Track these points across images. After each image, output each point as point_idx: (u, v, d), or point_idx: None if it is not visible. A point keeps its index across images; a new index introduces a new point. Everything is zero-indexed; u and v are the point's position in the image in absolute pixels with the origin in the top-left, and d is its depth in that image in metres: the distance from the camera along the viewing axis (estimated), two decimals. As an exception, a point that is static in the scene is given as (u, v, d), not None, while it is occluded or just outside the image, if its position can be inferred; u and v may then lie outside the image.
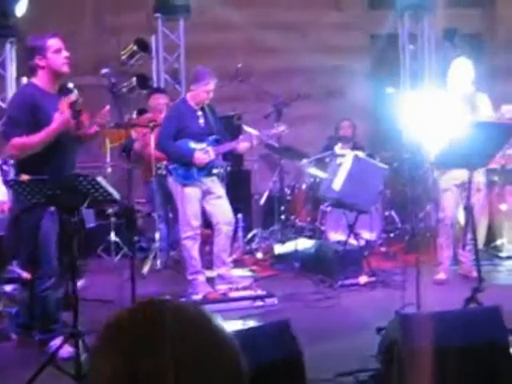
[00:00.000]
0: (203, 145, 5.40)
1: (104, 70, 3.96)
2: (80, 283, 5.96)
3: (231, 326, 4.11)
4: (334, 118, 7.68)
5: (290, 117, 7.16)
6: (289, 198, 6.97)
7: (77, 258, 4.04)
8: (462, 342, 3.31)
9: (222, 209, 5.46)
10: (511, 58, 7.94)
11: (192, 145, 5.40)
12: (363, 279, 5.53)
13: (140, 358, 0.81)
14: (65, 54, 4.01)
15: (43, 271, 4.11)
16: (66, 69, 4.02)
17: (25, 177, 3.80)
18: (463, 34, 8.19)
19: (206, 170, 5.41)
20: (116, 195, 3.84)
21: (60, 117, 3.95)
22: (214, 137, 5.46)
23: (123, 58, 7.07)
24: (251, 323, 4.47)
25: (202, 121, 5.44)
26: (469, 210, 4.13)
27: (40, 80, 4.06)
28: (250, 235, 6.97)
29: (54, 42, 4.01)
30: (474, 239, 4.25)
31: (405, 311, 4.27)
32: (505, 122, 4.96)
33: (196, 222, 5.41)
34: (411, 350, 3.31)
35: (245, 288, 5.26)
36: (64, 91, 4.09)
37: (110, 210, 6.64)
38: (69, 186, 3.68)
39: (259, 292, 5.18)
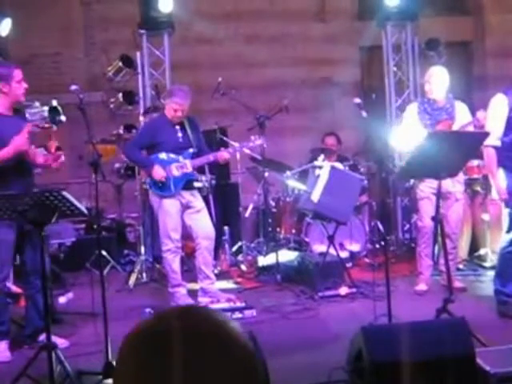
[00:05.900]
0: (179, 158, 5.45)
1: (73, 87, 4.03)
2: (66, 296, 6.04)
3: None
4: (322, 130, 7.71)
5: (278, 129, 7.21)
6: (274, 210, 6.99)
7: (53, 272, 4.10)
8: (425, 352, 3.31)
9: (201, 223, 5.45)
10: (500, 66, 7.93)
11: (167, 158, 5.44)
12: (343, 290, 5.53)
13: (152, 368, 0.84)
14: (24, 85, 4.39)
15: None
16: (23, 98, 4.42)
17: None
18: (452, 42, 8.20)
19: (182, 183, 5.41)
20: (83, 209, 3.92)
21: (17, 139, 4.20)
22: (191, 150, 5.48)
23: (109, 74, 7.16)
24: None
25: (179, 134, 5.47)
26: (437, 220, 4.12)
27: None
28: (235, 247, 6.99)
29: (17, 73, 4.38)
30: (444, 248, 4.25)
31: (375, 323, 4.28)
32: (469, 131, 4.92)
33: (175, 235, 5.42)
34: (373, 362, 3.33)
35: (226, 301, 5.29)
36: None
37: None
38: (37, 201, 3.76)
39: (238, 304, 5.20)
